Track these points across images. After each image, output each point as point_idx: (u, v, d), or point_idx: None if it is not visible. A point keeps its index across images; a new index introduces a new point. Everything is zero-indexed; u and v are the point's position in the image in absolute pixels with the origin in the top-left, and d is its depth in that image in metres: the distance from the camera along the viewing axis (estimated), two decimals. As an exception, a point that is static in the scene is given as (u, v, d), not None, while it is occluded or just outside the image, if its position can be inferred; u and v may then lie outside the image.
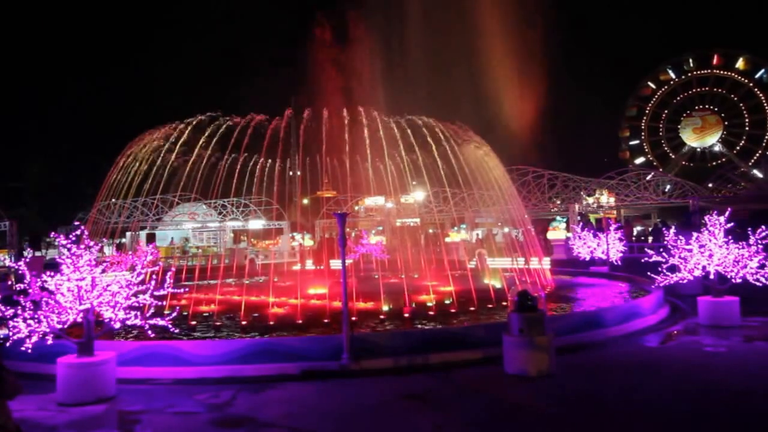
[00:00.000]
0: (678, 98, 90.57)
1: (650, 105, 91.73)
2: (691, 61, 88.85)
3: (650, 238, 41.01)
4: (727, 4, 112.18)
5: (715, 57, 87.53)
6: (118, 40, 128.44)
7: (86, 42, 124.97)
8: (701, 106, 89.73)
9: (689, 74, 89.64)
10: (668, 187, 47.27)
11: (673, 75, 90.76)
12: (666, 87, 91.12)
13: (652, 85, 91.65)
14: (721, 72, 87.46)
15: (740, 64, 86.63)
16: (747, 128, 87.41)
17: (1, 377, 5.38)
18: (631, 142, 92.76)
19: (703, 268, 14.65)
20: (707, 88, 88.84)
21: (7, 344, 9.14)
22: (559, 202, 47.66)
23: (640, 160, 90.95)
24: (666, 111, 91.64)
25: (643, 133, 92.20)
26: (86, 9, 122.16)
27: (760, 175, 67.95)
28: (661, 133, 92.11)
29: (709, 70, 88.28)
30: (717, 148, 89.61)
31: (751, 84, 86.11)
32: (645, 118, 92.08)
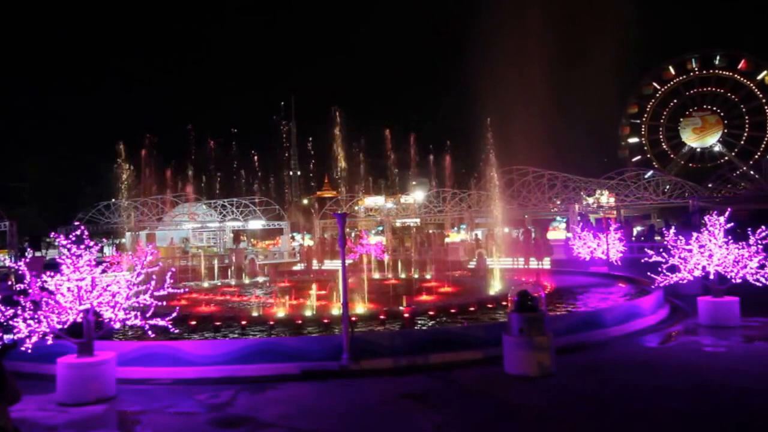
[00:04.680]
0: (692, 91, 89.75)
1: (665, 88, 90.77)
2: (718, 57, 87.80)
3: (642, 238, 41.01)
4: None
5: (743, 61, 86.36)
6: (117, 42, 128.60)
7: (85, 44, 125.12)
8: (705, 106, 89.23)
9: (712, 71, 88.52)
10: (668, 187, 47.18)
11: (695, 66, 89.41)
12: (685, 76, 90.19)
13: (673, 71, 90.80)
14: (742, 79, 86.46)
15: (764, 75, 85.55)
16: (745, 134, 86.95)
17: (3, 381, 5.39)
18: (631, 140, 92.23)
19: (703, 268, 14.65)
20: (722, 90, 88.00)
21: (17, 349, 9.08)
22: (559, 202, 47.57)
23: (637, 158, 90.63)
24: (675, 100, 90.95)
25: (643, 130, 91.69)
26: (86, 11, 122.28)
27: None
28: (661, 129, 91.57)
29: (730, 72, 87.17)
30: (717, 149, 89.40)
31: (764, 99, 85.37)
32: (653, 100, 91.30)
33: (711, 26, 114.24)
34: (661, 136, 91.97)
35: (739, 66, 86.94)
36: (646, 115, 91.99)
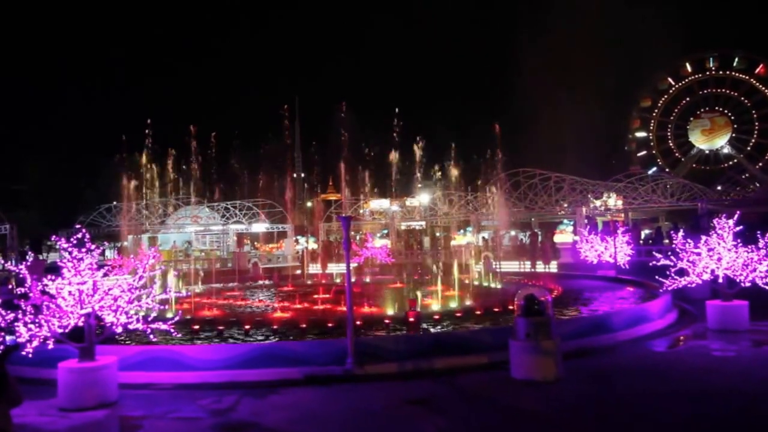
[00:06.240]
0: (705, 90, 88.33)
1: (680, 85, 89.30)
2: (737, 59, 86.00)
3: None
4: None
5: (761, 66, 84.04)
6: (119, 44, 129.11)
7: (86, 45, 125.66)
8: (717, 108, 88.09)
9: (729, 72, 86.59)
10: (669, 185, 46.79)
11: (712, 66, 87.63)
12: (701, 74, 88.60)
13: (689, 68, 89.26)
14: (758, 84, 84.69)
15: None
16: (753, 140, 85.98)
17: (5, 383, 5.37)
18: (638, 134, 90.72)
19: (712, 271, 14.47)
20: (735, 93, 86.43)
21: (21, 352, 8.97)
22: (566, 205, 47.30)
23: (642, 153, 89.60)
24: (688, 98, 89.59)
25: (652, 125, 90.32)
26: (88, 12, 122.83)
27: None
28: (669, 126, 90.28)
29: (746, 76, 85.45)
30: (726, 150, 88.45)
31: None
32: (666, 96, 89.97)
33: (737, 25, 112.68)
34: (668, 133, 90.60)
35: (757, 71, 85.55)
36: (656, 111, 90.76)
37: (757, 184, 60.59)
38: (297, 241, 47.18)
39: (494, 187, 45.46)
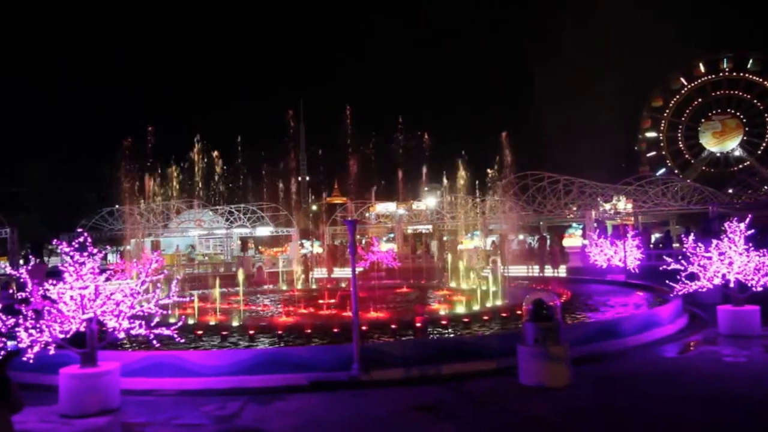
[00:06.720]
0: (718, 92, 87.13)
1: (692, 85, 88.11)
2: (752, 61, 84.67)
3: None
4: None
5: None
6: (122, 46, 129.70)
7: (88, 47, 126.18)
8: (729, 110, 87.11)
9: (743, 74, 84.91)
10: (678, 188, 46.32)
11: (726, 67, 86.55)
12: (714, 75, 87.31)
13: (703, 68, 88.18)
14: None
15: None
16: (764, 144, 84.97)
17: (6, 389, 5.30)
18: (649, 134, 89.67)
19: (723, 276, 14.27)
20: (748, 96, 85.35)
21: (22, 357, 8.86)
22: (575, 208, 46.93)
23: (652, 153, 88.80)
24: (700, 99, 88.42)
25: (662, 126, 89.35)
26: (91, 14, 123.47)
27: None
28: (680, 127, 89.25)
29: (760, 79, 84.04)
30: (737, 153, 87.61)
31: None
32: (678, 96, 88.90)
33: (754, 27, 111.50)
34: (679, 134, 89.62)
35: None
36: (668, 111, 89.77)
37: (768, 188, 59.99)
38: (302, 245, 47.03)
39: (502, 190, 45.14)
